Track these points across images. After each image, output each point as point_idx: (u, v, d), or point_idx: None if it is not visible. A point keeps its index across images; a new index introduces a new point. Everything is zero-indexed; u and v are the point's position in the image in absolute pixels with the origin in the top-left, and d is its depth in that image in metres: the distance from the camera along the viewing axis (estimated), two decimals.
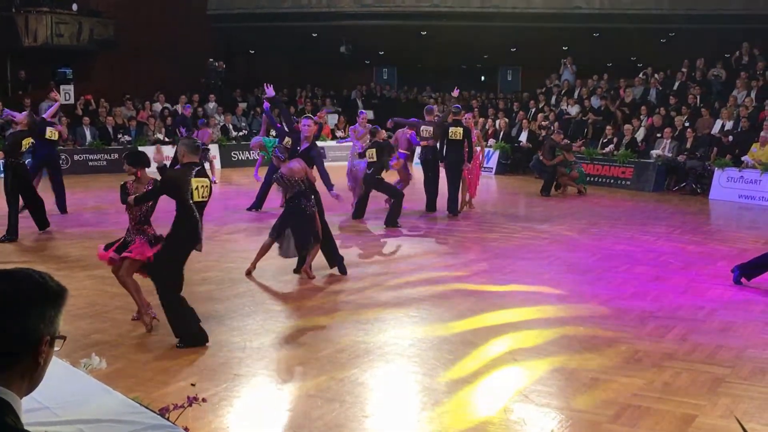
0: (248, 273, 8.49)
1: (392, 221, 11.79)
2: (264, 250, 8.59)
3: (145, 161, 6.70)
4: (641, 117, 18.76)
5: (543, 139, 18.61)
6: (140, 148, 19.02)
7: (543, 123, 19.92)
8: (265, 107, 13.53)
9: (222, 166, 20.12)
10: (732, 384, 5.41)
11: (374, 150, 11.88)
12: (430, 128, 13.20)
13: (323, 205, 8.80)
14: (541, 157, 16.82)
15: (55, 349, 1.85)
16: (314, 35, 23.94)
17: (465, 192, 13.53)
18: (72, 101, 19.85)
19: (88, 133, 19.25)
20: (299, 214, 8.24)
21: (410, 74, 30.12)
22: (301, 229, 8.26)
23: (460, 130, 12.83)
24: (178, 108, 20.87)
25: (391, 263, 9.50)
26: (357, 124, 14.20)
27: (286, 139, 10.88)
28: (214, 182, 15.83)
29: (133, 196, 6.44)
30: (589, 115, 20.25)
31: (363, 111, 13.06)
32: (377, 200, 12.87)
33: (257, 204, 13.22)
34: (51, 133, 12.23)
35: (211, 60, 23.88)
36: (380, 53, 28.36)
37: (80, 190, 14.04)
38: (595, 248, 10.33)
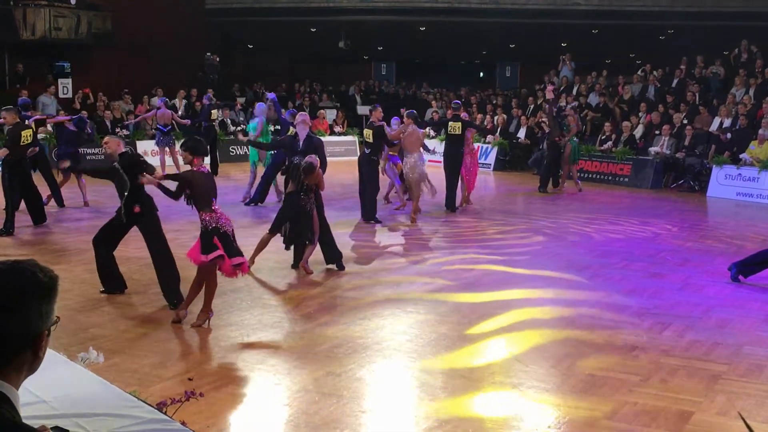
0: None
1: (370, 215, 11.73)
2: (262, 244, 8.60)
3: (203, 151, 6.63)
4: (640, 114, 18.76)
5: (542, 134, 18.55)
6: (138, 143, 19.10)
7: (541, 120, 19.90)
8: (272, 96, 13.48)
9: (219, 161, 20.08)
10: (729, 381, 5.42)
11: (371, 131, 11.84)
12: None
13: (322, 199, 8.84)
14: (554, 139, 16.03)
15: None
16: (313, 30, 23.91)
17: (463, 189, 13.56)
18: (70, 95, 19.81)
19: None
20: (298, 208, 8.25)
21: (409, 70, 30.13)
22: (299, 224, 8.28)
23: (459, 124, 12.95)
24: (176, 102, 20.81)
25: (388, 259, 9.49)
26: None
27: (291, 129, 11.05)
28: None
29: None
30: (588, 112, 20.25)
31: (412, 111, 13.04)
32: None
33: (259, 197, 13.22)
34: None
35: (208, 54, 23.83)
36: (379, 49, 28.34)
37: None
38: (592, 245, 10.34)
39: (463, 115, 14.01)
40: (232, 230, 6.55)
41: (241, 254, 6.59)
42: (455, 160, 13.04)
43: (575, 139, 16.12)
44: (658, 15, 21.76)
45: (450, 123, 13.12)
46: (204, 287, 6.52)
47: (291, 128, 11.15)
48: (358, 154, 21.14)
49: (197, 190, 6.45)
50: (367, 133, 11.94)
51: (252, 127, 13.80)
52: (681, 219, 12.70)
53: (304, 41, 25.36)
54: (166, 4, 22.76)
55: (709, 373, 5.57)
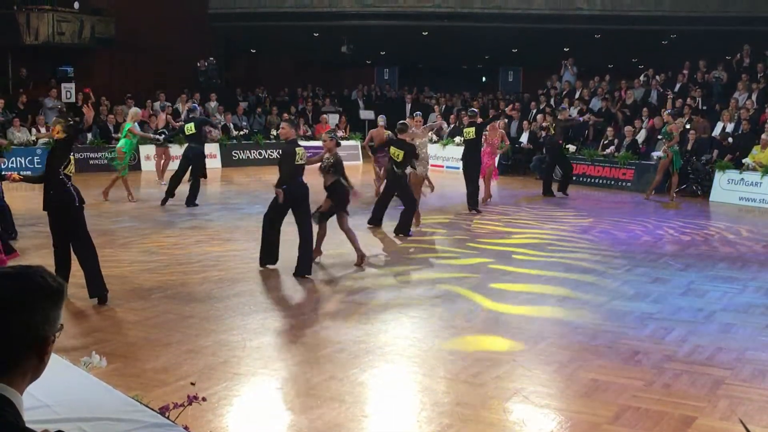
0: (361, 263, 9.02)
1: (403, 229, 11.22)
2: (353, 236, 9.14)
3: None
4: (642, 119, 18.77)
5: (544, 138, 18.58)
6: (141, 147, 19.12)
7: (543, 124, 19.92)
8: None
9: (222, 165, 20.14)
10: (732, 386, 5.41)
11: (402, 152, 10.94)
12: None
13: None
14: (557, 141, 16.21)
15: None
16: (316, 35, 23.92)
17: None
18: (73, 99, 19.84)
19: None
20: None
21: (411, 74, 30.15)
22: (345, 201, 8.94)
23: (472, 129, 13.51)
24: (179, 107, 20.84)
25: (391, 263, 9.49)
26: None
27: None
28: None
29: None
30: (590, 117, 20.25)
31: (419, 112, 13.27)
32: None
33: (171, 193, 13.50)
34: None
35: (211, 59, 23.87)
36: (381, 53, 28.36)
37: (80, 188, 14.01)
38: (595, 249, 10.33)
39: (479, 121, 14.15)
40: None
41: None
42: (472, 164, 13.57)
43: (676, 147, 15.68)
44: (661, 20, 21.75)
45: (464, 130, 13.89)
46: None
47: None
48: (361, 158, 21.23)
49: None
50: (397, 153, 10.96)
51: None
52: (683, 224, 12.69)
53: (306, 46, 25.39)
54: (169, 9, 22.81)
55: (711, 378, 5.56)
